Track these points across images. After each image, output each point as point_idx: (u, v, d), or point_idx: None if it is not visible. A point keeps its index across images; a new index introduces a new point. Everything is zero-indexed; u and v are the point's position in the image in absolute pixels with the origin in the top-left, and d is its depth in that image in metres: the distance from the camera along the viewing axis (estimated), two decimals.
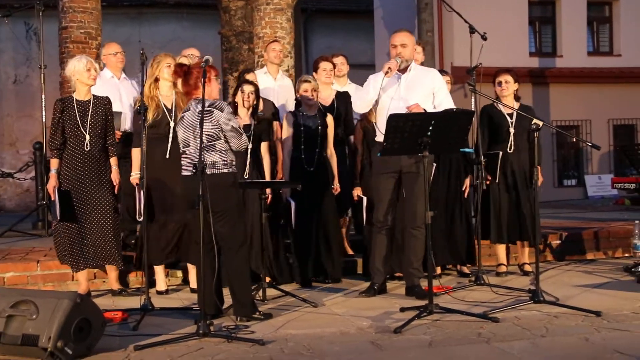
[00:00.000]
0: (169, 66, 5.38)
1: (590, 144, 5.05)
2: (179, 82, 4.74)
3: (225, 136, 4.50)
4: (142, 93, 5.13)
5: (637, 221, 6.80)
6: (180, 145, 4.65)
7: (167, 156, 5.37)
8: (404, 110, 4.95)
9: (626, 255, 7.04)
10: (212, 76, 4.59)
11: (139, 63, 5.04)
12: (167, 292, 5.58)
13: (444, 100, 5.19)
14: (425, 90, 5.19)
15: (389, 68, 4.99)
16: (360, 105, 5.34)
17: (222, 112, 4.48)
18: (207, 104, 4.44)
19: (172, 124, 5.37)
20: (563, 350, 3.71)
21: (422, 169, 4.63)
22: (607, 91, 14.25)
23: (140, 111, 4.90)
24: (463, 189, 5.99)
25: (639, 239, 6.70)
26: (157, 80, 5.44)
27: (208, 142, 4.46)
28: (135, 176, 5.39)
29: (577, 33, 14.47)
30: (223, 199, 4.46)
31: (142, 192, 5.06)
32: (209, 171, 4.41)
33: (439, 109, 5.04)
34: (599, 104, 14.18)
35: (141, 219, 5.13)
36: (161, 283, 5.60)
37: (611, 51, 14.86)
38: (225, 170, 4.52)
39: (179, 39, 16.07)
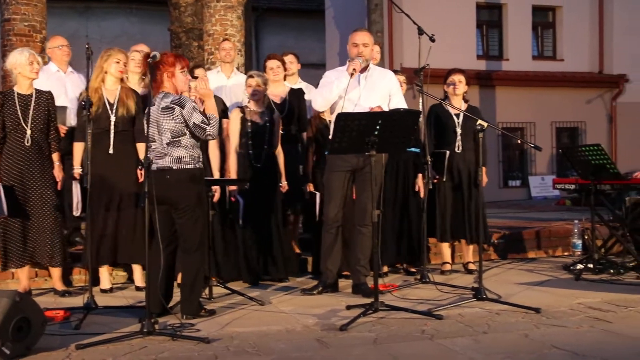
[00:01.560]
0: (118, 62, 5.34)
1: (532, 145, 5.17)
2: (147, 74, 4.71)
3: (190, 132, 4.51)
4: (87, 88, 5.04)
5: (576, 221, 7.03)
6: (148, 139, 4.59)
7: (111, 151, 5.29)
8: (363, 110, 4.98)
9: (566, 254, 7.25)
10: (178, 70, 4.55)
11: (85, 58, 4.94)
12: (111, 290, 5.50)
13: (399, 103, 5.27)
14: (383, 92, 5.24)
15: (354, 69, 5.00)
16: (321, 103, 5.29)
17: (183, 108, 4.46)
18: (169, 99, 4.46)
19: (112, 118, 5.30)
20: (504, 346, 3.79)
21: (373, 168, 4.67)
22: (550, 94, 14.64)
23: (85, 106, 4.79)
24: (416, 188, 6.04)
25: (577, 239, 6.93)
26: (104, 73, 5.37)
27: (173, 138, 4.46)
28: (76, 170, 5.30)
29: (523, 37, 14.84)
30: (187, 195, 4.46)
31: (78, 187, 4.99)
32: (174, 166, 4.43)
33: None
34: (543, 106, 14.55)
35: (78, 214, 5.06)
36: (105, 281, 5.52)
37: (554, 56, 15.28)
38: (191, 165, 4.51)
39: (127, 34, 15.85)
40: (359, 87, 5.17)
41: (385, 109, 5.14)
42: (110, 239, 5.32)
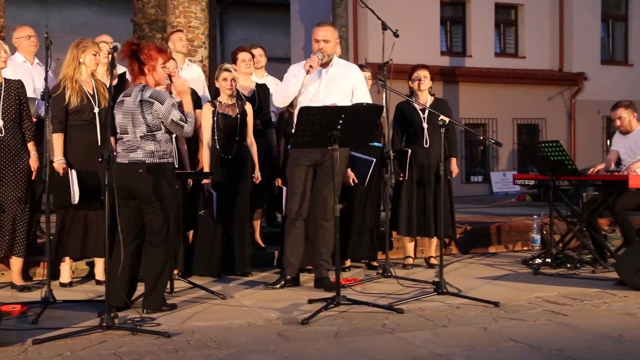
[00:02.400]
0: (95, 54, 5.30)
1: (492, 141, 5.25)
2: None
3: (166, 127, 4.49)
4: (46, 79, 4.93)
5: (535, 216, 7.15)
6: (118, 131, 4.53)
7: (100, 143, 5.19)
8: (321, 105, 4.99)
9: (525, 248, 7.38)
10: (159, 64, 4.55)
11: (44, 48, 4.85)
12: (71, 284, 5.42)
13: (362, 98, 5.27)
14: (345, 87, 5.24)
15: (310, 66, 5.00)
16: (279, 100, 5.33)
17: (162, 104, 4.44)
18: (148, 93, 4.44)
19: (96, 109, 5.24)
20: (463, 339, 3.84)
21: (334, 162, 4.68)
22: (512, 91, 14.84)
23: (43, 97, 4.71)
24: (381, 183, 6.08)
25: (536, 234, 7.06)
26: (79, 64, 5.28)
27: (148, 132, 4.44)
28: (59, 162, 5.18)
29: (485, 34, 15.00)
30: (159, 189, 4.43)
31: (74, 176, 4.92)
32: (147, 160, 4.42)
33: None
34: (505, 103, 14.75)
35: (76, 202, 4.99)
36: (65, 275, 5.44)
37: (516, 53, 15.47)
38: (165, 160, 4.50)
39: (89, 24, 15.60)
40: (319, 82, 5.17)
41: (347, 104, 5.15)
42: (94, 231, 5.26)
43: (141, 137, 4.43)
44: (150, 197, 4.40)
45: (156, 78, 4.55)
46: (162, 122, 4.45)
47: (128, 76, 5.27)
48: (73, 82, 5.20)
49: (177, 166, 5.58)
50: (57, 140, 5.20)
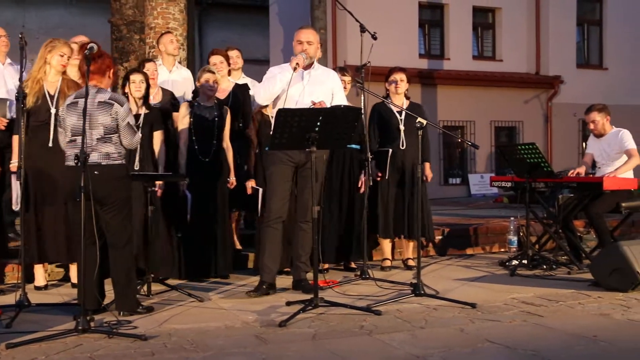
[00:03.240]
0: (62, 55, 5.22)
1: (469, 143, 5.28)
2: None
3: (119, 131, 4.47)
4: (20, 79, 4.89)
5: (512, 218, 7.21)
6: (69, 133, 4.47)
7: (50, 144, 5.16)
8: (306, 106, 4.99)
9: (502, 250, 7.43)
10: (112, 72, 4.59)
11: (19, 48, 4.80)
12: (46, 287, 5.37)
13: (340, 102, 5.29)
14: (327, 90, 5.25)
15: (297, 64, 5.00)
16: (264, 96, 5.23)
17: (121, 107, 4.46)
18: (107, 95, 4.45)
19: (53, 110, 5.17)
20: (440, 341, 3.86)
21: (313, 164, 4.69)
22: (490, 94, 14.95)
23: (17, 97, 4.66)
24: (359, 185, 6.08)
25: (513, 235, 7.11)
26: (45, 64, 5.22)
27: (105, 135, 4.41)
28: (13, 164, 5.14)
29: (463, 37, 15.11)
30: (115, 191, 4.42)
31: (18, 181, 4.85)
32: (103, 162, 4.38)
33: None
34: (482, 106, 14.85)
35: (17, 208, 4.92)
36: (40, 278, 5.38)
37: (494, 56, 15.60)
38: (119, 161, 4.48)
39: (66, 25, 15.47)
40: (302, 83, 5.18)
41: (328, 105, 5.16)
42: (49, 235, 5.19)
43: (98, 140, 4.39)
44: (106, 199, 4.36)
45: (111, 83, 4.60)
46: (117, 124, 4.44)
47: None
48: (34, 83, 5.14)
49: (153, 169, 5.57)
50: (14, 142, 5.18)
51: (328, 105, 5.11)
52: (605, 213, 6.31)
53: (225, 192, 5.81)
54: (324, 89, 5.23)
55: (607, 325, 4.20)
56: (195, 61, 15.32)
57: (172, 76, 6.84)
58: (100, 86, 4.49)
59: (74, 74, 5.60)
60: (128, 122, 4.46)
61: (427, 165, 6.29)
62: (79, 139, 4.37)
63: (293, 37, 5.28)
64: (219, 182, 5.77)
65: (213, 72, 5.82)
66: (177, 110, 5.97)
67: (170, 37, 7.03)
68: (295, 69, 4.99)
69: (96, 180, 4.24)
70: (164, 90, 6.23)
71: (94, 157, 4.36)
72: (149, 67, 6.12)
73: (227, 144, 5.87)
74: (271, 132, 4.72)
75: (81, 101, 4.36)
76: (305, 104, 5.07)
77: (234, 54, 6.72)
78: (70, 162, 4.41)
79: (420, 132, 5.06)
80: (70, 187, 4.34)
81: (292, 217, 5.33)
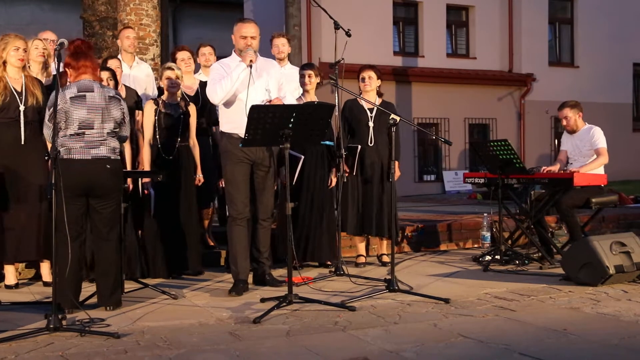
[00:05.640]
0: (17, 49, 5.13)
1: (443, 140, 5.32)
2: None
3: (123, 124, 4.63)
4: None
5: (485, 214, 7.27)
6: (75, 127, 4.39)
7: (23, 142, 5.08)
8: (258, 101, 4.96)
9: (475, 246, 7.50)
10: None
11: None
12: (17, 286, 5.30)
13: (290, 92, 5.36)
14: (274, 81, 5.24)
15: (251, 60, 4.97)
16: (221, 96, 5.10)
17: (124, 101, 4.65)
18: (112, 90, 4.62)
19: (22, 107, 5.10)
20: (413, 336, 3.88)
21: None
22: (463, 91, 15.06)
23: None
24: (329, 182, 6.08)
25: (486, 231, 7.17)
26: (4, 62, 5.13)
27: (114, 129, 4.52)
28: None
29: (437, 35, 15.19)
30: (117, 185, 4.56)
31: None
32: (112, 156, 4.50)
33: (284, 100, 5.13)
34: (456, 103, 14.95)
35: None
36: (11, 277, 5.31)
37: (467, 54, 15.71)
38: (119, 157, 4.63)
39: (38, 21, 15.22)
40: (251, 77, 5.04)
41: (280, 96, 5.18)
42: (23, 233, 5.12)
43: (107, 134, 4.47)
44: (110, 192, 4.48)
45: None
46: (123, 118, 4.57)
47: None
48: None
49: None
50: None
51: (285, 102, 5.10)
52: (576, 208, 6.39)
53: (191, 189, 5.77)
54: (272, 82, 5.21)
55: (577, 319, 4.26)
56: (169, 57, 15.19)
57: (132, 72, 6.77)
58: (99, 80, 4.61)
59: (37, 70, 5.51)
60: (128, 118, 4.67)
61: (396, 163, 6.31)
62: (88, 132, 4.40)
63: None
64: (183, 179, 5.73)
65: (173, 69, 5.77)
66: (141, 109, 5.93)
67: (127, 32, 6.92)
68: (250, 65, 4.96)
69: (107, 174, 4.37)
70: (127, 89, 6.13)
71: (101, 151, 4.44)
72: (111, 63, 6.02)
73: (193, 141, 5.84)
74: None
75: (89, 94, 4.40)
76: (254, 99, 4.98)
77: (207, 50, 6.68)
78: (81, 156, 4.39)
79: (393, 130, 5.08)
80: (75, 182, 4.31)
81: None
